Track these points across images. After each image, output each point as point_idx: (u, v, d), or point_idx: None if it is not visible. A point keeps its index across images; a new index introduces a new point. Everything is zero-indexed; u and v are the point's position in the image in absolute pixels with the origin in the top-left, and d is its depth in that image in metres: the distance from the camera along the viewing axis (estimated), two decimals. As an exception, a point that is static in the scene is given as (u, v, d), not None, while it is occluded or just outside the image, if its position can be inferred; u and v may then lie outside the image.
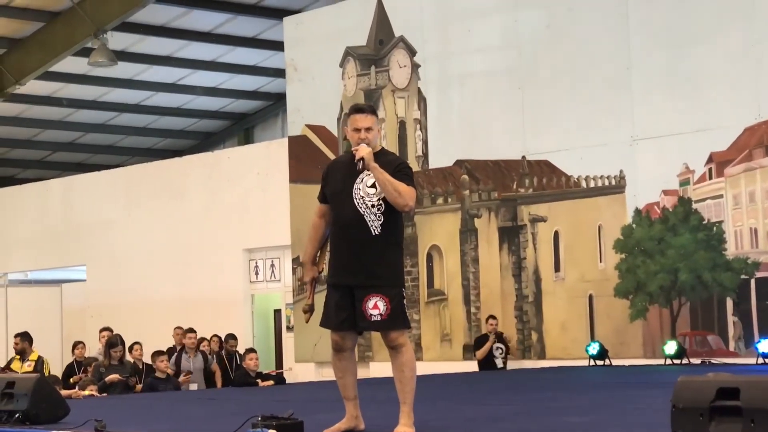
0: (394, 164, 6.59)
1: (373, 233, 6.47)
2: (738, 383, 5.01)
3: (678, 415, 5.11)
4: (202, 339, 16.85)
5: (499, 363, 15.57)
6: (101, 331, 16.50)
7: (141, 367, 14.99)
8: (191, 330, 16.37)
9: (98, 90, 24.37)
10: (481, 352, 15.60)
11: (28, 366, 15.30)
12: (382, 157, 6.62)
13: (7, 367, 15.58)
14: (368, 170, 6.46)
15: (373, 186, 6.48)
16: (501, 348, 15.59)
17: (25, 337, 15.69)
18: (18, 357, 15.67)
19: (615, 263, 15.21)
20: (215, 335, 17.40)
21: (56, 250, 23.91)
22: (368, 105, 6.94)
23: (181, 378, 15.27)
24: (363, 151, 6.48)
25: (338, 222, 6.59)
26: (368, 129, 6.56)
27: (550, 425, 7.26)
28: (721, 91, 14.48)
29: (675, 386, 5.19)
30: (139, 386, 14.33)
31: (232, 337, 17.05)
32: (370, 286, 6.44)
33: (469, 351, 16.36)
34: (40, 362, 15.58)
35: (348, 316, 6.50)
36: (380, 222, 6.48)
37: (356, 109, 6.67)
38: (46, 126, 26.24)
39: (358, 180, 6.52)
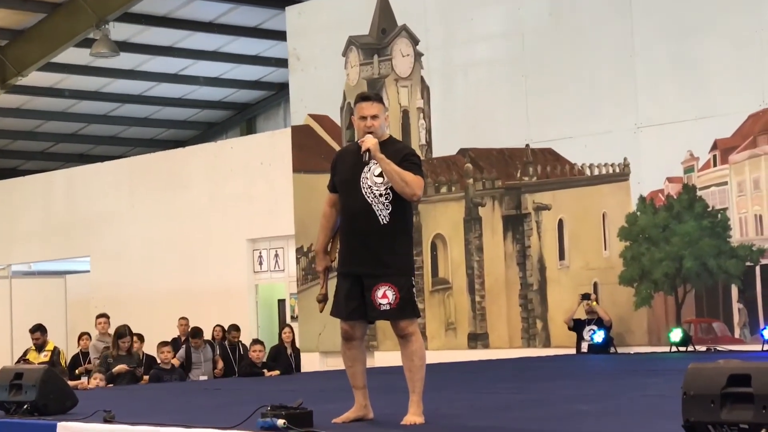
0: (402, 153, 6.58)
1: (381, 222, 6.47)
2: (749, 370, 5.01)
3: (689, 402, 5.10)
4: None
5: (584, 347, 14.85)
6: (98, 317, 16.49)
7: (141, 357, 15.03)
8: (198, 334, 16.22)
9: (100, 81, 24.37)
10: (567, 319, 15.07)
11: (45, 356, 15.37)
12: (389, 145, 6.61)
13: (24, 358, 15.63)
14: (375, 161, 6.46)
15: (381, 175, 6.47)
16: (593, 329, 14.80)
17: (43, 331, 15.74)
18: (34, 348, 15.71)
19: (619, 251, 15.19)
20: (218, 325, 17.40)
21: (60, 242, 23.93)
22: (374, 93, 6.94)
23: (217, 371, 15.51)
24: (369, 142, 6.47)
25: (346, 211, 6.59)
26: (374, 117, 6.56)
27: (562, 413, 7.26)
28: (726, 78, 14.45)
29: (686, 373, 5.18)
30: (146, 377, 14.37)
31: (235, 328, 17.05)
32: (379, 275, 6.44)
33: (473, 339, 16.37)
34: (56, 352, 15.65)
35: (358, 306, 6.50)
36: (388, 211, 6.48)
37: (362, 98, 6.67)
38: (49, 117, 26.23)
39: (365, 169, 6.51)
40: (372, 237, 6.47)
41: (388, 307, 6.43)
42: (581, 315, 15.06)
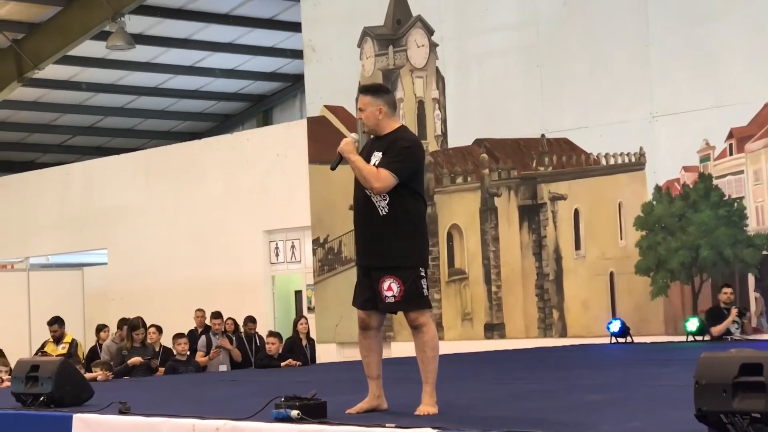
0: (391, 142, 6.55)
1: (381, 213, 6.49)
2: (761, 359, 5.00)
3: (701, 392, 5.09)
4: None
5: (736, 337, 14.06)
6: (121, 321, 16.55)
7: (158, 350, 15.05)
8: (218, 315, 16.40)
9: (117, 73, 24.40)
10: (718, 329, 14.03)
11: (62, 348, 15.39)
12: (389, 136, 6.60)
13: (42, 350, 15.67)
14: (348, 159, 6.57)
15: (377, 167, 6.49)
16: (737, 321, 14.09)
17: (60, 323, 15.78)
18: (52, 340, 15.74)
19: (636, 240, 15.18)
20: (230, 318, 17.41)
21: (77, 234, 23.99)
22: (365, 85, 7.05)
23: (212, 353, 15.43)
24: (340, 146, 6.58)
25: (354, 204, 6.67)
26: (360, 110, 6.66)
27: (575, 403, 7.26)
28: (741, 66, 14.41)
29: (698, 362, 5.17)
30: (162, 369, 14.39)
31: (251, 320, 17.06)
32: (384, 267, 6.46)
33: (489, 330, 16.36)
34: (73, 345, 15.68)
35: (370, 296, 6.53)
36: (386, 202, 6.48)
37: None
38: (65, 110, 26.27)
39: (370, 162, 6.54)
40: (374, 228, 6.51)
41: (393, 300, 6.43)
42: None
